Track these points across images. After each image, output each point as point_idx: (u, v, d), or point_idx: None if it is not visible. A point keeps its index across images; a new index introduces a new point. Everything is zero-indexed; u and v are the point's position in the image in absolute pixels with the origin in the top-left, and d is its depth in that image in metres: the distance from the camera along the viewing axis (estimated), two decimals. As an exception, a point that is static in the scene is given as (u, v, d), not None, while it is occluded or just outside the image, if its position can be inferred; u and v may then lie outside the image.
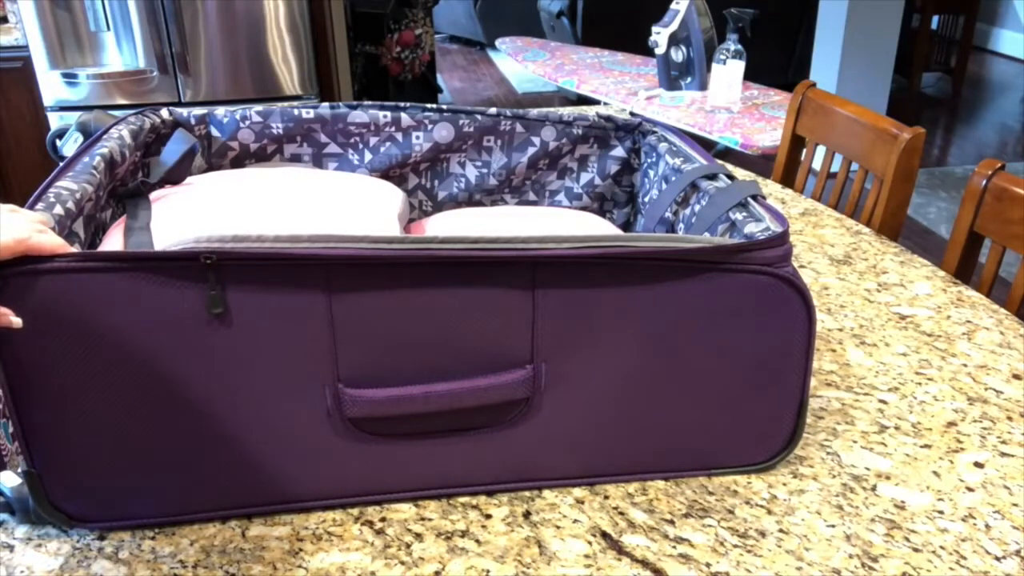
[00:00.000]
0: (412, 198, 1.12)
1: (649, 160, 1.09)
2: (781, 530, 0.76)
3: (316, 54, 2.73)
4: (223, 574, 0.71)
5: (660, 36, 2.61)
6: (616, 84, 2.84)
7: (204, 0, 2.55)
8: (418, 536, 0.76)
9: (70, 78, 2.60)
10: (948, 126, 4.63)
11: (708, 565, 0.72)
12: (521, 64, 3.23)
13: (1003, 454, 0.86)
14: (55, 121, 2.66)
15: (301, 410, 0.74)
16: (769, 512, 0.78)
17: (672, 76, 2.69)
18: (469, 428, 0.78)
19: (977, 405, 0.94)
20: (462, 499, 0.80)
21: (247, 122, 1.05)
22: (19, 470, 0.74)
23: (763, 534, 0.76)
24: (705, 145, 3.48)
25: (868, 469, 0.84)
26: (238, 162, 1.07)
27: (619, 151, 1.13)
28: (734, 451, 0.82)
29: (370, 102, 1.06)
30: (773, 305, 0.76)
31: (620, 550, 0.74)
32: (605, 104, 2.72)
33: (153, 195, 0.89)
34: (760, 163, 3.87)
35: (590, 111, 1.20)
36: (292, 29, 2.64)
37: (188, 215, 0.82)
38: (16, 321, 0.64)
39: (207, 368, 0.71)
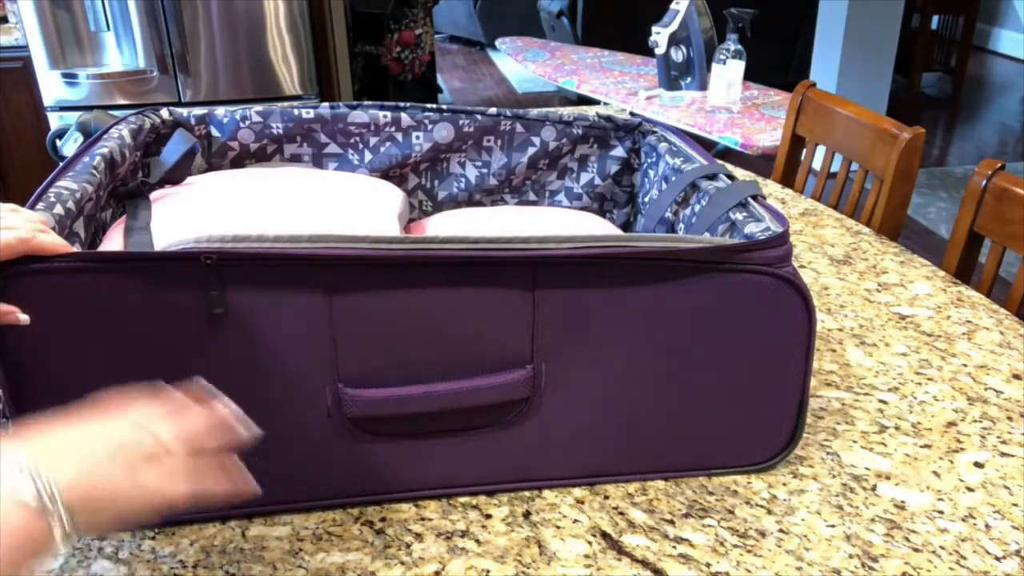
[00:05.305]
0: (412, 198, 1.12)
1: (649, 160, 1.09)
2: (781, 530, 0.76)
3: (316, 54, 2.73)
4: (223, 574, 0.71)
5: (660, 36, 2.61)
6: (616, 84, 2.84)
7: (204, 0, 2.55)
8: (418, 536, 0.76)
9: (70, 78, 2.60)
10: (948, 126, 4.63)
11: (708, 565, 0.72)
12: (521, 64, 3.23)
13: (1003, 454, 0.86)
14: (55, 121, 2.65)
15: (301, 410, 0.74)
16: (769, 512, 0.78)
17: (672, 76, 2.69)
18: (469, 428, 0.78)
19: (977, 405, 0.93)
20: (462, 499, 0.80)
21: (247, 122, 1.05)
22: (19, 470, 0.74)
23: (763, 534, 0.76)
24: (705, 145, 3.47)
25: (868, 469, 0.84)
26: (238, 162, 1.07)
27: (619, 151, 1.13)
28: (734, 451, 0.82)
29: (370, 102, 1.06)
30: (773, 305, 0.76)
31: (620, 550, 0.74)
32: (605, 104, 2.72)
33: (153, 195, 0.89)
34: (760, 163, 3.87)
35: (590, 111, 1.20)
36: (292, 29, 2.64)
37: (188, 215, 0.82)
38: (23, 318, 0.64)
39: (207, 368, 0.71)
